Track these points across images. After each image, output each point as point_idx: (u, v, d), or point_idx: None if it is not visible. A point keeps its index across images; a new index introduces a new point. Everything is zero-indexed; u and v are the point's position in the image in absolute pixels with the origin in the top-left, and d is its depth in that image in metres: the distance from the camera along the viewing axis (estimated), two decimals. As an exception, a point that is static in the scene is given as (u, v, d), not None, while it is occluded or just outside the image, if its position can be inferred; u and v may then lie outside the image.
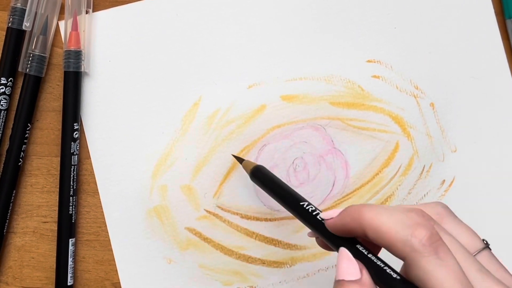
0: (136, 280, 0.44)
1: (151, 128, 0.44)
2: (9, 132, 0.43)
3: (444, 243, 0.28)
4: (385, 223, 0.28)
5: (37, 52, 0.43)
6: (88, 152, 0.44)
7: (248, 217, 0.45)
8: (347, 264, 0.30)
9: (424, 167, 0.46)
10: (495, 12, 0.47)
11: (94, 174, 0.44)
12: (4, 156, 0.43)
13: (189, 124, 0.45)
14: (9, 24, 0.43)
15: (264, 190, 0.40)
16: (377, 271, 0.29)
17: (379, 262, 0.29)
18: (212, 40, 0.45)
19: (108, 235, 0.44)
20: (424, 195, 0.45)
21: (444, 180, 0.45)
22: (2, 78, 0.43)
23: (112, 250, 0.44)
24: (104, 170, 0.44)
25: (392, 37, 0.46)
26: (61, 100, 0.44)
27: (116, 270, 0.44)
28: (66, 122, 0.43)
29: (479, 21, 0.46)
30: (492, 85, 0.46)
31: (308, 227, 0.34)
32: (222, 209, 0.45)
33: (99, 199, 0.44)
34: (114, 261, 0.44)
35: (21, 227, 0.44)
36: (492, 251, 0.31)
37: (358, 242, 0.31)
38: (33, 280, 0.44)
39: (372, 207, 0.29)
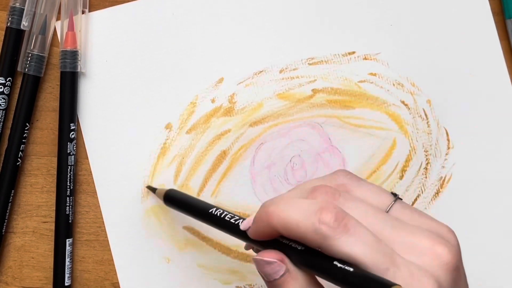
0: (135, 280, 0.44)
1: (148, 127, 0.45)
2: (8, 132, 0.43)
3: (351, 216, 0.28)
4: (291, 217, 0.28)
5: (35, 52, 0.43)
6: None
7: (246, 216, 0.44)
8: (266, 267, 0.30)
9: (421, 164, 0.45)
10: (495, 12, 0.47)
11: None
12: (3, 156, 0.43)
13: (186, 123, 0.45)
14: (8, 24, 0.43)
15: (181, 211, 0.40)
16: (304, 257, 0.29)
17: (300, 247, 0.29)
18: (208, 39, 0.45)
19: (107, 235, 0.44)
20: (421, 192, 0.45)
21: (441, 177, 0.45)
22: (0, 78, 0.43)
23: (111, 250, 0.44)
24: (102, 170, 0.44)
25: (389, 34, 0.46)
26: (61, 100, 0.45)
27: (116, 270, 0.44)
28: (62, 122, 0.43)
29: (475, 18, 0.46)
30: (489, 82, 0.46)
31: (235, 236, 0.33)
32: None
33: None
34: (114, 261, 0.44)
35: (20, 227, 0.44)
36: (403, 200, 0.31)
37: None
38: (33, 280, 0.44)
39: (276, 203, 0.29)
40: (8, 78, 0.43)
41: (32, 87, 0.43)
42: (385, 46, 0.46)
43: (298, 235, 0.28)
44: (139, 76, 0.45)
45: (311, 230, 0.27)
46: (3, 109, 0.43)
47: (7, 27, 0.43)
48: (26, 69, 0.43)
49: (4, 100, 0.43)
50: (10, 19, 0.43)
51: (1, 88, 0.43)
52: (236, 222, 0.33)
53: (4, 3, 0.45)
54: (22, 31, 0.43)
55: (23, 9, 0.43)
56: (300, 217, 0.28)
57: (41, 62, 0.43)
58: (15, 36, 0.43)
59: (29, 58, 0.43)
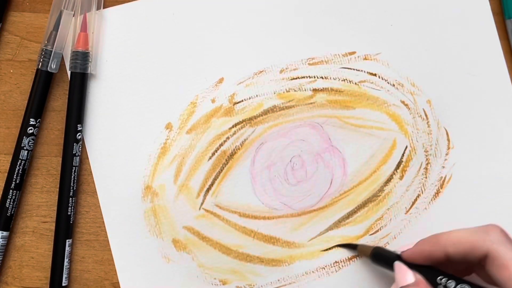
0: (135, 279, 0.44)
1: (148, 127, 0.45)
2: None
3: None
4: (462, 234, 0.36)
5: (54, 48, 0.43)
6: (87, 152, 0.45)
7: (246, 216, 0.45)
8: (401, 273, 0.38)
9: (421, 164, 0.45)
10: (495, 12, 0.47)
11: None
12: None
13: (186, 123, 0.45)
14: (39, 66, 0.43)
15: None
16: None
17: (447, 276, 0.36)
18: (208, 39, 0.45)
19: (107, 235, 0.44)
20: (421, 192, 0.45)
21: (441, 177, 0.45)
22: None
23: (111, 250, 0.44)
24: (102, 170, 0.44)
25: (389, 34, 0.46)
26: (61, 100, 0.45)
27: (116, 270, 0.44)
28: (69, 123, 0.43)
29: (475, 18, 0.46)
30: (489, 82, 0.46)
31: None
32: (220, 207, 0.45)
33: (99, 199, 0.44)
34: (114, 261, 0.44)
35: (20, 227, 0.44)
36: None
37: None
38: (33, 280, 0.44)
39: (443, 232, 0.37)
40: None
41: (45, 83, 0.43)
42: (386, 46, 0.46)
43: (468, 247, 0.35)
44: (138, 76, 0.45)
45: (481, 240, 0.35)
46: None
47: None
48: (40, 65, 0.43)
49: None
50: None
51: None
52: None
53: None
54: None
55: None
56: (471, 233, 0.36)
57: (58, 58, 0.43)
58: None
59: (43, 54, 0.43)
